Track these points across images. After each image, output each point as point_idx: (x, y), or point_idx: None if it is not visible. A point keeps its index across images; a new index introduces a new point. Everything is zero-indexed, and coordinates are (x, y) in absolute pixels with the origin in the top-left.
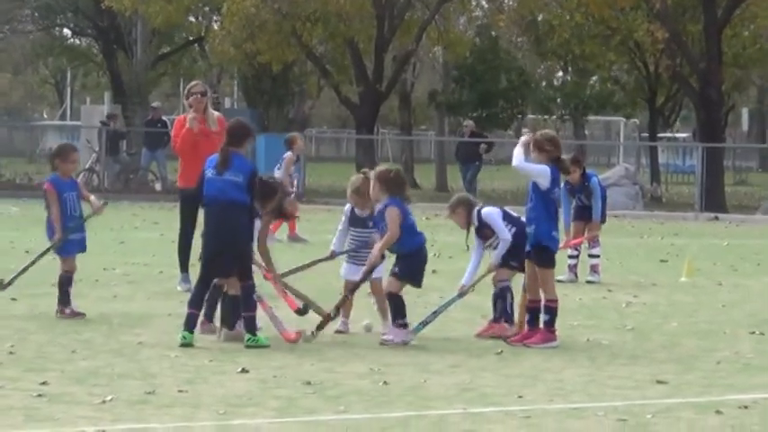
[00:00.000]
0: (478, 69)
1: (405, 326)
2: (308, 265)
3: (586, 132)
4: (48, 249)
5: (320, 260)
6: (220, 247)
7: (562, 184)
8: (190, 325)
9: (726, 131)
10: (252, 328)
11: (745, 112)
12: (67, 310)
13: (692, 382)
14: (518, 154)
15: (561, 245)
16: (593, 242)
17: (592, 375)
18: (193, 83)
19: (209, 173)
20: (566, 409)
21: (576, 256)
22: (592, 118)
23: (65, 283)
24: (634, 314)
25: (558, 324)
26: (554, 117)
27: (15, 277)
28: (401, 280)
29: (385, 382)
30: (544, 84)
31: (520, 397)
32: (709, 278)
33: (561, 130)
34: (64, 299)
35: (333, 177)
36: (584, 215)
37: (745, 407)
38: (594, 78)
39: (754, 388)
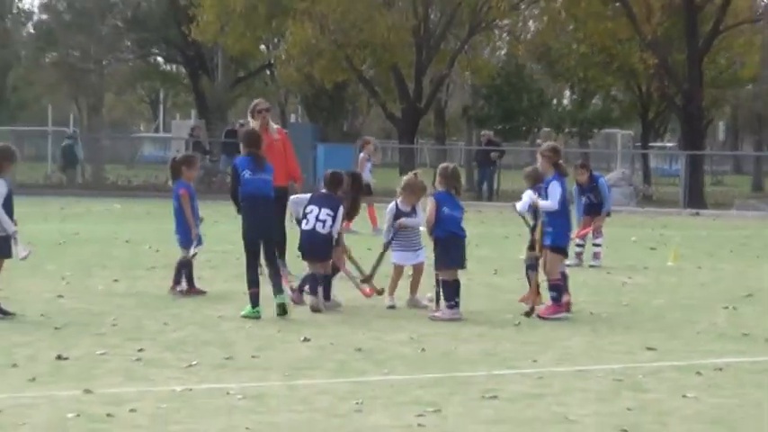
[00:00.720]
0: (504, 90)
1: (454, 306)
2: (379, 261)
3: (590, 143)
4: (195, 251)
5: (382, 253)
6: (261, 234)
7: (574, 186)
8: (254, 301)
9: (705, 141)
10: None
11: (721, 125)
12: (178, 288)
13: (676, 349)
14: (523, 202)
15: (573, 235)
16: (597, 233)
17: (593, 343)
18: (257, 100)
19: (247, 174)
20: (572, 371)
21: (582, 245)
22: (595, 131)
23: (184, 265)
24: (628, 292)
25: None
26: (566, 131)
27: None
28: (441, 268)
29: (423, 349)
30: (555, 102)
31: (534, 361)
32: (691, 262)
33: (570, 142)
34: (177, 278)
35: (380, 180)
36: (591, 211)
37: (720, 369)
38: (596, 98)
39: (728, 353)
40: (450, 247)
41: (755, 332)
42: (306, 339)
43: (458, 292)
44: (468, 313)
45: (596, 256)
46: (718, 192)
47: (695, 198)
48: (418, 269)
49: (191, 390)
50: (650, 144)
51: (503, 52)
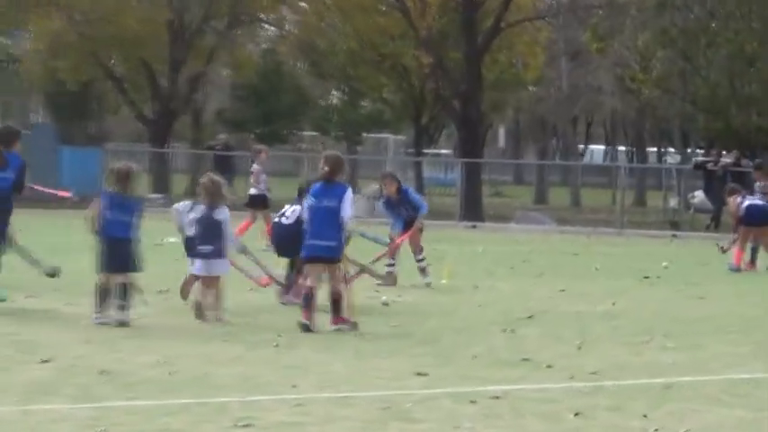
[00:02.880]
0: (262, 89)
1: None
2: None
3: (359, 149)
4: None
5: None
6: None
7: (382, 201)
8: None
9: (484, 148)
10: None
11: (501, 131)
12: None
13: (449, 375)
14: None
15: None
16: (418, 249)
17: (358, 367)
18: None
19: None
20: (334, 397)
21: (393, 265)
22: (363, 135)
23: None
24: (397, 313)
25: (327, 321)
26: (332, 135)
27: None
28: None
29: (172, 373)
30: (322, 103)
31: (293, 386)
32: (466, 281)
33: (336, 147)
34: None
35: None
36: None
37: (497, 397)
38: (366, 100)
39: (505, 380)
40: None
41: (536, 357)
42: (44, 361)
43: None
44: (223, 335)
45: (424, 271)
46: (497, 203)
47: (472, 210)
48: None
49: None
50: (424, 150)
51: (267, 47)
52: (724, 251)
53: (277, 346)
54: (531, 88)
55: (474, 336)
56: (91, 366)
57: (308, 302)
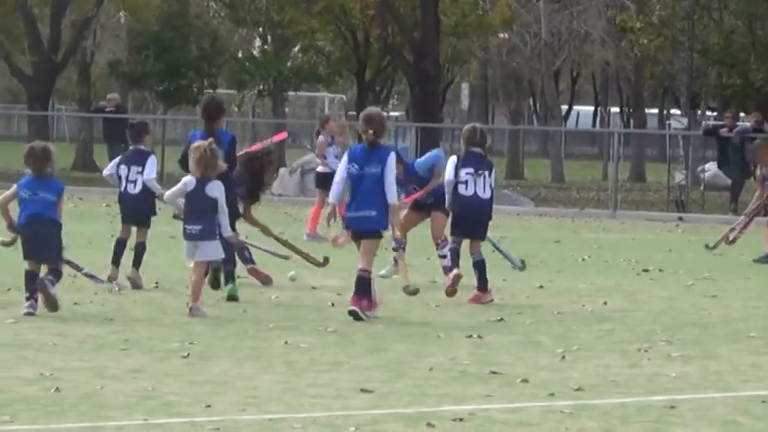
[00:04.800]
0: (166, 37)
1: None
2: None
3: (287, 110)
4: None
5: None
6: None
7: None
8: None
9: (443, 110)
10: None
11: (465, 88)
12: None
13: (400, 391)
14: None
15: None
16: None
17: (289, 383)
18: None
19: None
20: (259, 420)
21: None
22: (292, 94)
23: None
24: (337, 314)
25: (253, 326)
26: (250, 93)
27: None
28: None
29: (57, 389)
30: (240, 55)
31: (208, 406)
32: (422, 275)
33: (259, 107)
34: None
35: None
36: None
37: (461, 419)
38: (296, 50)
39: (471, 398)
40: None
41: (508, 370)
42: None
43: None
44: (120, 342)
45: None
46: None
47: None
48: None
49: None
50: None
51: None
52: (730, 242)
53: (187, 356)
54: (501, 35)
55: (431, 343)
56: None
57: (364, 288)
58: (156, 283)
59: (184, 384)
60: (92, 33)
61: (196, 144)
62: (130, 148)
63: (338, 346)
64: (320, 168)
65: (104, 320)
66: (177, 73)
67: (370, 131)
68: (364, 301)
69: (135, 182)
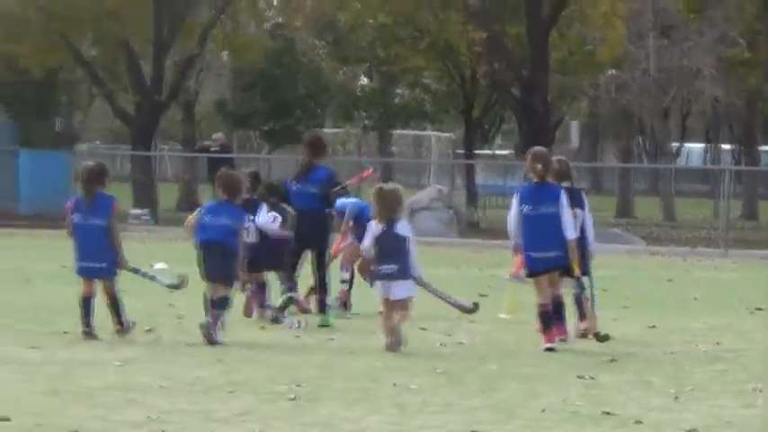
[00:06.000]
0: (273, 75)
1: None
2: None
3: (393, 149)
4: None
5: None
6: None
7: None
8: None
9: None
10: None
11: (574, 126)
12: None
13: None
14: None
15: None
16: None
17: (399, 425)
18: None
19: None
20: None
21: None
22: (398, 132)
23: None
24: (448, 355)
25: (363, 366)
26: (356, 130)
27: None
28: None
29: None
30: (345, 92)
31: None
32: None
33: (364, 146)
34: None
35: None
36: None
37: None
38: (401, 89)
39: None
40: None
41: (621, 411)
42: (3, 419)
43: None
44: (226, 384)
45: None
46: None
47: None
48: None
49: None
50: (477, 151)
51: (275, 23)
52: None
53: (295, 398)
54: (610, 71)
55: (543, 384)
56: (59, 427)
57: (548, 322)
58: (263, 326)
59: (294, 426)
60: (196, 73)
61: (377, 188)
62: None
63: (449, 386)
64: None
65: (213, 362)
66: (284, 112)
67: (539, 167)
68: (554, 333)
69: (248, 230)
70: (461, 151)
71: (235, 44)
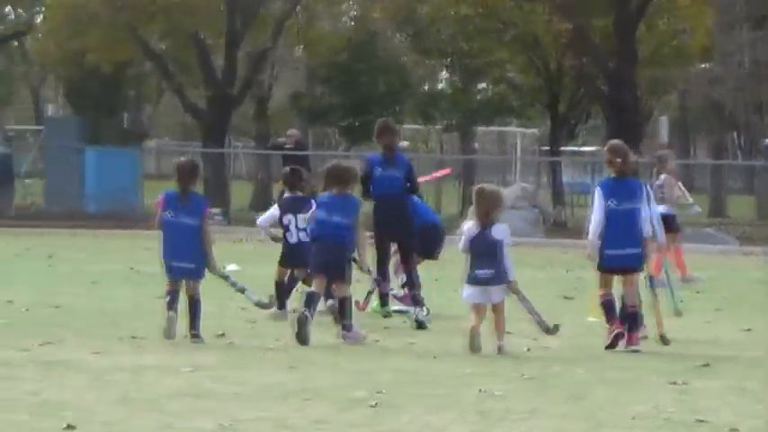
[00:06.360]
0: (353, 69)
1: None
2: None
3: (476, 145)
4: None
5: None
6: None
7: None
8: None
9: (642, 144)
10: None
11: (664, 122)
12: None
13: None
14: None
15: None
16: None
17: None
18: None
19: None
20: None
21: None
22: (482, 129)
23: None
24: (533, 360)
25: (446, 371)
26: (437, 128)
27: None
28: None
29: None
30: (426, 87)
31: None
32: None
33: (447, 143)
34: None
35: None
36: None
37: None
38: (483, 84)
39: None
40: None
41: (715, 418)
42: (69, 427)
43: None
44: (300, 391)
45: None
46: None
47: None
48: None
49: None
50: (563, 148)
51: (350, 17)
52: None
53: (376, 405)
54: (701, 65)
55: (633, 389)
56: None
57: (611, 311)
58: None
59: None
60: (270, 66)
61: (479, 188)
62: (286, 195)
63: (535, 392)
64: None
65: (286, 368)
66: (364, 108)
67: (618, 160)
68: (617, 320)
69: (306, 230)
70: (546, 148)
71: (308, 37)
